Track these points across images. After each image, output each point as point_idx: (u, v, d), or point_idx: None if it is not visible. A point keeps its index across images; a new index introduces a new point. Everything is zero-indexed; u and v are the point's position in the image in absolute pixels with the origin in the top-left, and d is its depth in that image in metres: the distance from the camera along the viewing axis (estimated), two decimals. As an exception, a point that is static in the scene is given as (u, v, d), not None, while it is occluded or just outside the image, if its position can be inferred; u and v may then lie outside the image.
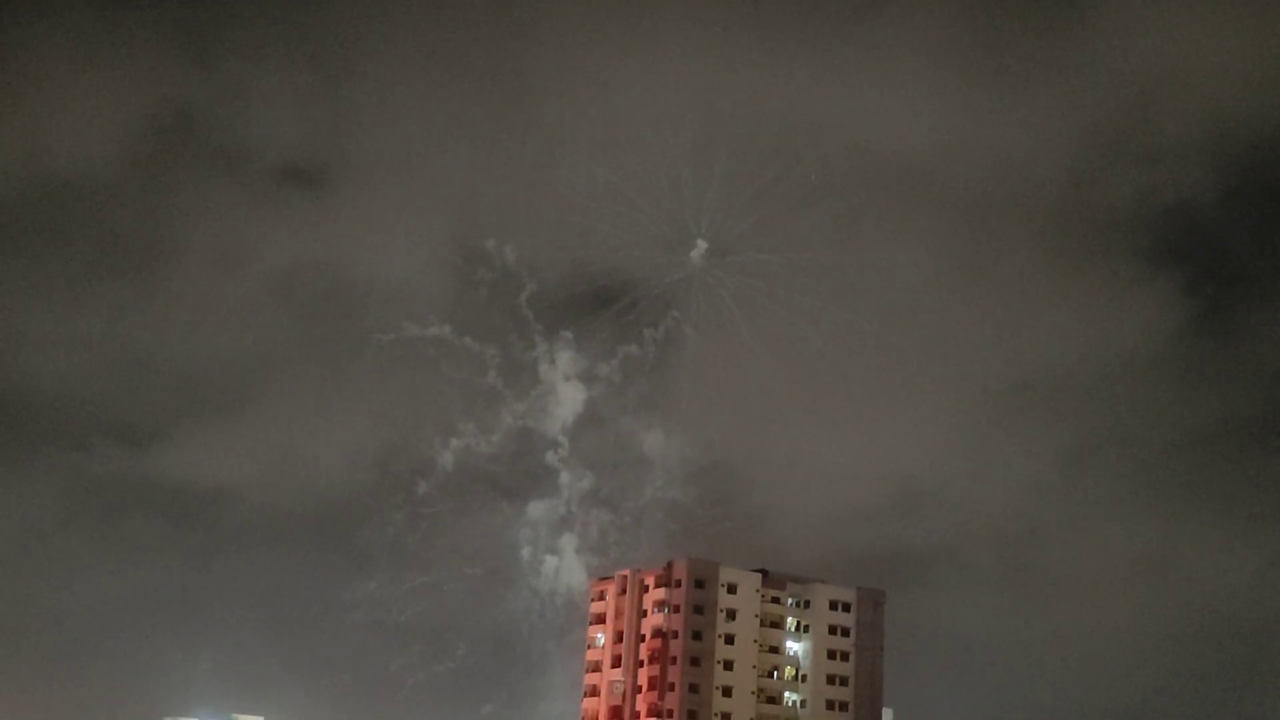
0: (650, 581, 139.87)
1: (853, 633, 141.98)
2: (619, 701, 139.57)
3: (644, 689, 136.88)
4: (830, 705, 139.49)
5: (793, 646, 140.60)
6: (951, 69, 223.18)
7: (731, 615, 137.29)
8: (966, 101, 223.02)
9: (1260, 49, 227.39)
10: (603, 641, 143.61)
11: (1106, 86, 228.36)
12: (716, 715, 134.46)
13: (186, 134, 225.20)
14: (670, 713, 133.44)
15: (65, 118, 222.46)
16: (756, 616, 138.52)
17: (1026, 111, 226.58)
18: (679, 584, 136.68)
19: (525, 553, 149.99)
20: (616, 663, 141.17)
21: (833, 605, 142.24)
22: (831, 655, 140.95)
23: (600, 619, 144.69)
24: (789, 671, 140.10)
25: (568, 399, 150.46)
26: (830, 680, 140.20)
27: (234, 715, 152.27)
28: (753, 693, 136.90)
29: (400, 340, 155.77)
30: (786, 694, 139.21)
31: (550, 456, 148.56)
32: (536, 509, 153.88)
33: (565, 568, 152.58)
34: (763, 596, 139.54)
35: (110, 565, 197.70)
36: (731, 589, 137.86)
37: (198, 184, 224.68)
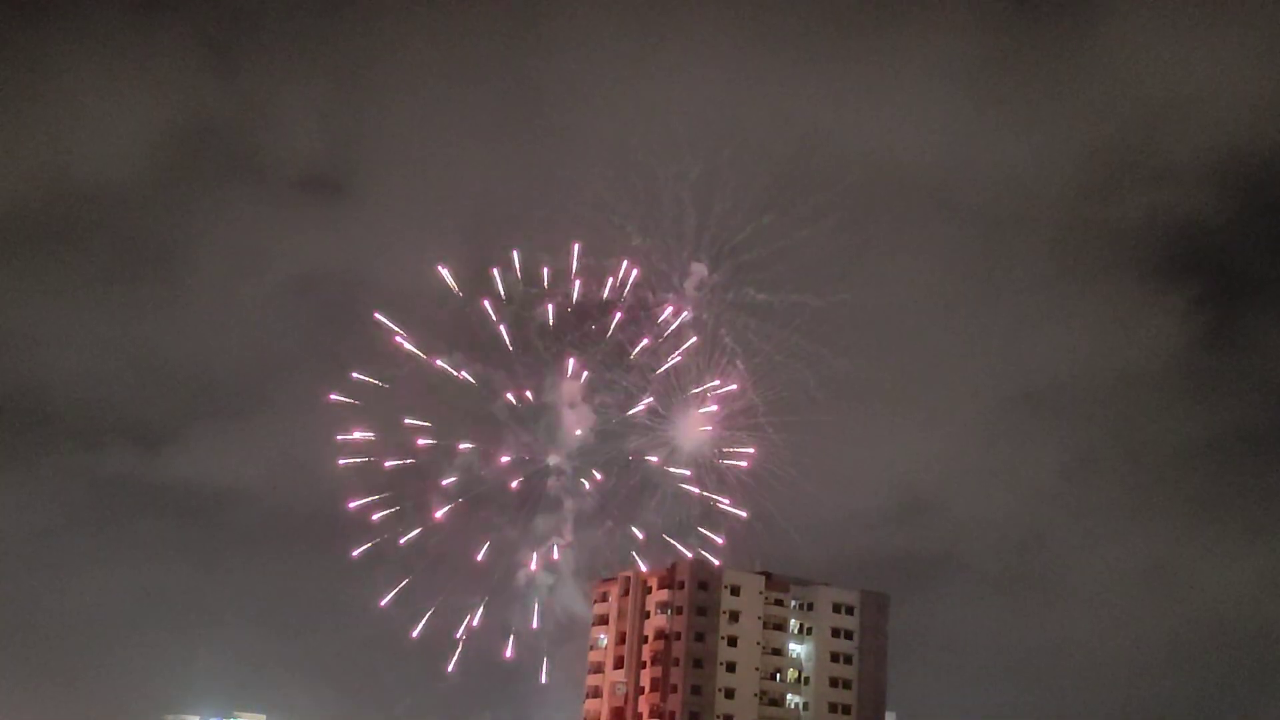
0: (653, 583, 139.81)
1: (856, 636, 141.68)
2: (621, 703, 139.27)
3: (646, 690, 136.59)
4: (833, 708, 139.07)
5: (796, 649, 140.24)
6: (962, 87, 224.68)
7: (734, 617, 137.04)
8: (977, 119, 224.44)
9: (1267, 69, 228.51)
10: (605, 642, 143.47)
11: (1115, 105, 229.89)
12: (719, 717, 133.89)
13: (208, 143, 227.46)
14: (672, 715, 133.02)
15: (89, 126, 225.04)
16: (759, 619, 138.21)
17: (1037, 129, 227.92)
18: (682, 585, 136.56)
19: (526, 569, 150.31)
20: (619, 664, 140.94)
21: (836, 608, 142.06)
22: (834, 658, 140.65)
23: (603, 620, 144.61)
24: (792, 674, 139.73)
25: (571, 421, 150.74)
26: (833, 683, 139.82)
27: (236, 714, 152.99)
28: (755, 695, 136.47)
29: (414, 370, 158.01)
30: (789, 696, 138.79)
31: (553, 476, 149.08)
32: (539, 526, 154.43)
33: (565, 584, 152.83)
34: (766, 599, 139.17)
35: (117, 564, 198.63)
36: (735, 591, 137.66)
37: (218, 192, 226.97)
